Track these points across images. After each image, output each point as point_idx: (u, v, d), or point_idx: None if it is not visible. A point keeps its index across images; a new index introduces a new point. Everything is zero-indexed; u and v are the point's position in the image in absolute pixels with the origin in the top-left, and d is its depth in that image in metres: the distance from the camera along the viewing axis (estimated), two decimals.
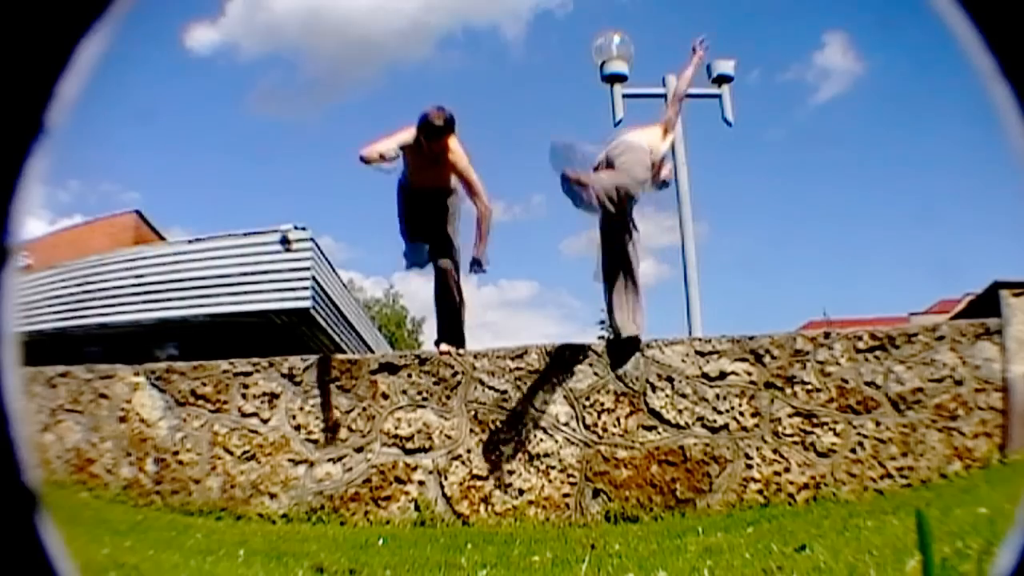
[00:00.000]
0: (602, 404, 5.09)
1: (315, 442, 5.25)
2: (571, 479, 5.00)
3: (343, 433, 5.24)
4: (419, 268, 5.39)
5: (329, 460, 5.21)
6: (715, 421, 5.00)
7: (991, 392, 4.94)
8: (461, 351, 5.32)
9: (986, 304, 5.33)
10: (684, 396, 5.06)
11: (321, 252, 11.80)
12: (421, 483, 5.07)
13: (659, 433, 5.02)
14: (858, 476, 4.85)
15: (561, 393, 5.13)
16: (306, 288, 11.02)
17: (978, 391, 4.95)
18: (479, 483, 5.04)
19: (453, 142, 5.12)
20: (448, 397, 5.18)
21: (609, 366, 5.14)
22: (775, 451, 4.93)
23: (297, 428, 5.30)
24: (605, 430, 5.05)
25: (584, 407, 5.10)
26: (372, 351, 13.63)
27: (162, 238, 15.48)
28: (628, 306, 5.04)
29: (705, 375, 5.06)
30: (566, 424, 5.08)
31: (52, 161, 0.65)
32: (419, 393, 5.21)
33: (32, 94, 0.65)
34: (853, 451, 4.89)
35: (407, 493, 5.07)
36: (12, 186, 0.64)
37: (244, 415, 5.36)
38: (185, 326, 11.19)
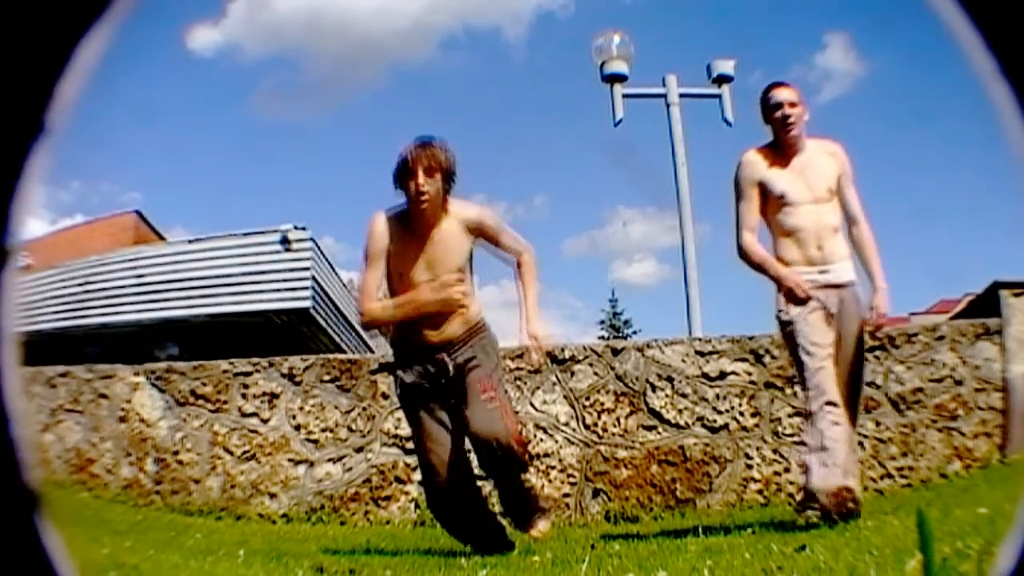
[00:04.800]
0: (602, 404, 5.09)
1: (315, 442, 5.25)
2: (571, 479, 5.01)
3: (343, 433, 5.24)
4: None
5: (329, 460, 5.21)
6: (715, 421, 5.00)
7: (991, 392, 4.94)
8: None
9: (986, 304, 5.34)
10: (684, 396, 5.06)
11: (321, 252, 11.81)
12: (421, 483, 5.07)
13: (659, 433, 5.02)
14: (858, 476, 4.84)
15: (561, 393, 5.13)
16: (306, 288, 11.03)
17: (978, 391, 4.95)
18: (479, 483, 5.04)
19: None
20: None
21: (609, 366, 5.14)
22: (775, 451, 4.93)
23: (297, 428, 5.30)
24: (605, 430, 5.05)
25: (584, 407, 5.10)
26: (372, 351, 13.63)
27: (162, 238, 15.48)
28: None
29: (705, 375, 5.07)
30: (566, 424, 5.08)
31: (53, 161, 0.65)
32: None
33: (33, 94, 0.65)
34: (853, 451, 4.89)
35: (407, 493, 5.07)
36: (12, 186, 0.64)
37: (244, 415, 5.36)
38: (185, 326, 11.20)
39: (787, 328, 3.38)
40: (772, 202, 3.43)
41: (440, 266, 3.11)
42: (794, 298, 3.34)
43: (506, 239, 3.26)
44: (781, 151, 3.48)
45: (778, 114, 3.44)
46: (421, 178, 3.01)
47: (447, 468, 3.16)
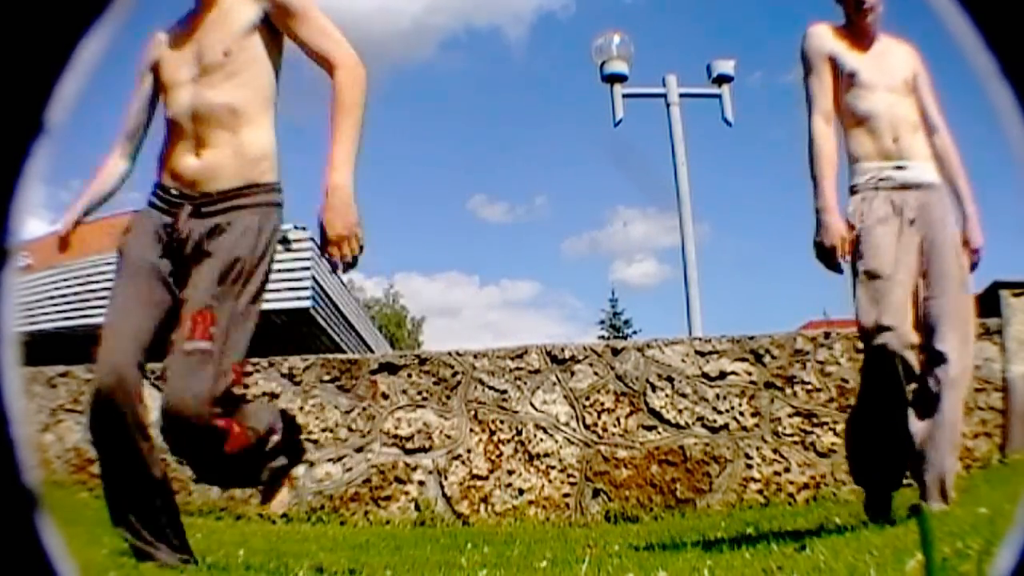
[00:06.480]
0: (602, 404, 5.09)
1: (315, 442, 5.24)
2: (571, 479, 5.01)
3: (343, 433, 5.24)
4: None
5: (329, 460, 5.21)
6: (715, 421, 5.00)
7: (991, 392, 4.94)
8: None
9: (986, 304, 5.33)
10: (684, 396, 5.06)
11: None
12: (421, 483, 5.08)
13: (659, 433, 5.02)
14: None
15: (561, 393, 5.13)
16: (306, 288, 11.03)
17: (978, 391, 4.94)
18: (479, 483, 5.05)
19: None
20: (448, 397, 5.18)
21: (609, 366, 5.14)
22: (775, 451, 4.93)
23: None
24: (605, 430, 5.06)
25: (584, 407, 5.10)
26: (372, 351, 13.63)
27: None
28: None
29: (705, 375, 5.07)
30: (566, 424, 5.08)
31: (53, 161, 0.65)
32: (419, 393, 5.21)
33: (33, 93, 0.65)
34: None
35: (407, 493, 5.07)
36: (12, 186, 0.64)
37: None
38: None
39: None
40: (842, 82, 2.94)
41: (207, 52, 2.20)
42: (824, 256, 2.80)
43: (311, 32, 2.24)
44: (855, 34, 3.00)
45: None
46: None
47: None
